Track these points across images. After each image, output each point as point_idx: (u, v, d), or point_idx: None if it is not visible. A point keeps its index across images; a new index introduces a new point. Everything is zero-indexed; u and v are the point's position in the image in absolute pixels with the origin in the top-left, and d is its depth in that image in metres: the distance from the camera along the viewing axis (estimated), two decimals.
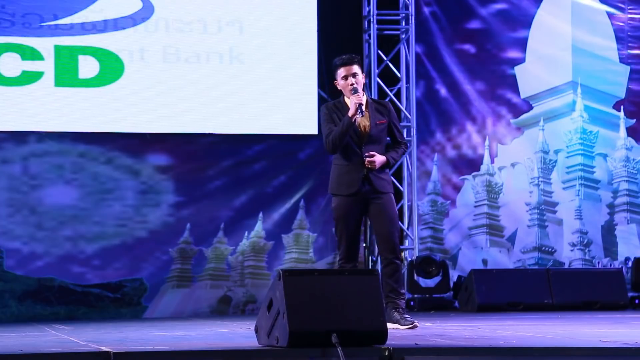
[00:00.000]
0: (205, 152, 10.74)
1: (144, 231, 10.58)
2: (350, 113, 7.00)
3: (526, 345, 5.49)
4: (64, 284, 10.35)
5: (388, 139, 7.31)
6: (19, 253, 10.29)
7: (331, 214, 10.89)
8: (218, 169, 10.79)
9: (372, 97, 10.85)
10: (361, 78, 7.14)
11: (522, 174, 11.55)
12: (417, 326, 7.00)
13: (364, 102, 7.06)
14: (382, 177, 7.14)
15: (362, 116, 7.05)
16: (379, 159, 7.08)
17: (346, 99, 7.17)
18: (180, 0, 10.60)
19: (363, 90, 7.14)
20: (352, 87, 7.06)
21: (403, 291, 7.21)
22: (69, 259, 10.39)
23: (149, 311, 10.51)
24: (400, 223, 11.10)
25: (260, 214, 10.85)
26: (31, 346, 5.78)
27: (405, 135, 11.18)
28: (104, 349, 5.27)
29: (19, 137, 10.33)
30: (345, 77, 7.11)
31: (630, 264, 11.23)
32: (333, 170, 7.21)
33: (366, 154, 7.07)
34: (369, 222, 10.20)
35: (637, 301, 10.76)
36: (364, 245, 10.88)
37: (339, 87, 7.19)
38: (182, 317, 10.39)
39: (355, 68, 7.13)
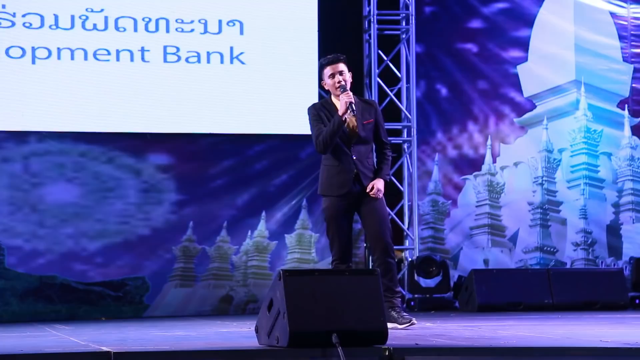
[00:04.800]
0: (206, 152, 10.73)
1: (147, 229, 10.58)
2: (340, 112, 6.91)
3: (526, 345, 5.49)
4: (66, 281, 10.34)
5: None
6: (21, 250, 10.28)
7: None
8: (219, 169, 10.79)
9: (370, 97, 10.84)
10: (348, 77, 7.06)
11: (525, 173, 11.54)
12: (415, 323, 6.97)
13: (354, 100, 6.97)
14: (372, 176, 7.06)
15: (354, 115, 6.95)
16: (380, 185, 7.01)
17: (334, 99, 7.09)
18: (181, 0, 10.59)
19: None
20: (339, 84, 6.99)
21: (399, 289, 7.15)
22: (71, 256, 10.38)
23: (151, 310, 10.51)
24: (400, 223, 11.10)
25: (263, 213, 10.85)
26: (31, 346, 5.79)
27: (405, 135, 11.22)
28: (104, 349, 5.28)
29: (19, 137, 10.32)
30: (332, 76, 7.03)
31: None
32: (322, 170, 7.12)
33: (370, 192, 6.99)
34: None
35: (637, 301, 10.75)
36: (365, 245, 10.87)
37: (327, 87, 7.12)
38: (183, 316, 10.39)
39: (342, 66, 7.05)
